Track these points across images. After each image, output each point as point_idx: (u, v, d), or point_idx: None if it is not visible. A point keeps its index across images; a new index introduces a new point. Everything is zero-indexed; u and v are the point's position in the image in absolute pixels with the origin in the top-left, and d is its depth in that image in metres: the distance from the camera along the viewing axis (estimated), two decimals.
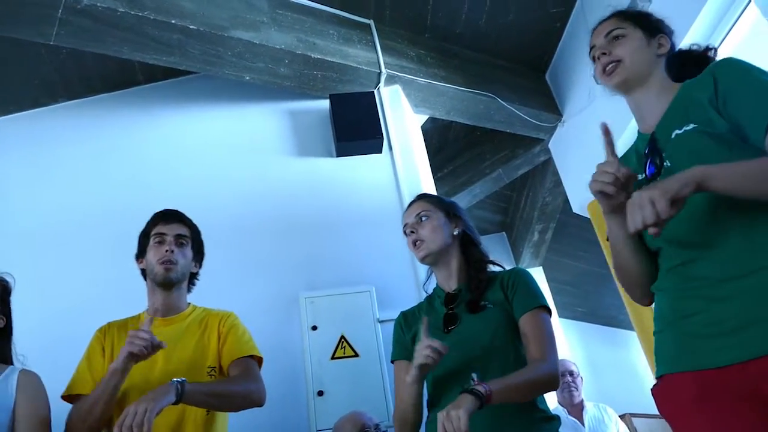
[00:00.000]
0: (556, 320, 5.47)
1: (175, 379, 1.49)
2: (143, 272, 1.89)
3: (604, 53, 1.39)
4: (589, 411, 3.38)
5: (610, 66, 1.37)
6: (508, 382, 1.43)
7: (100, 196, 2.89)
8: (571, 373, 3.45)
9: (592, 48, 1.46)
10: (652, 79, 1.36)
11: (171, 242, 1.83)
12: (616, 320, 6.54)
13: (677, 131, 1.22)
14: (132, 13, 2.54)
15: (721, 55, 2.85)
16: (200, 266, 1.97)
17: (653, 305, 1.30)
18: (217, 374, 1.75)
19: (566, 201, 4.25)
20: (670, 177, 1.06)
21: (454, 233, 1.78)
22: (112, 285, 2.46)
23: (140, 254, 1.89)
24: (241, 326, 1.87)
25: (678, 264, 1.20)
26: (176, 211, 1.94)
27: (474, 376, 1.51)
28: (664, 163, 1.23)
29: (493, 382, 1.38)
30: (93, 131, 3.15)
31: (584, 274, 6.03)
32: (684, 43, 2.91)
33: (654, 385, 1.23)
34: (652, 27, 1.41)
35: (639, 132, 1.41)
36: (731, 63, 1.23)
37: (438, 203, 1.84)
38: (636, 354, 5.77)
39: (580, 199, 3.92)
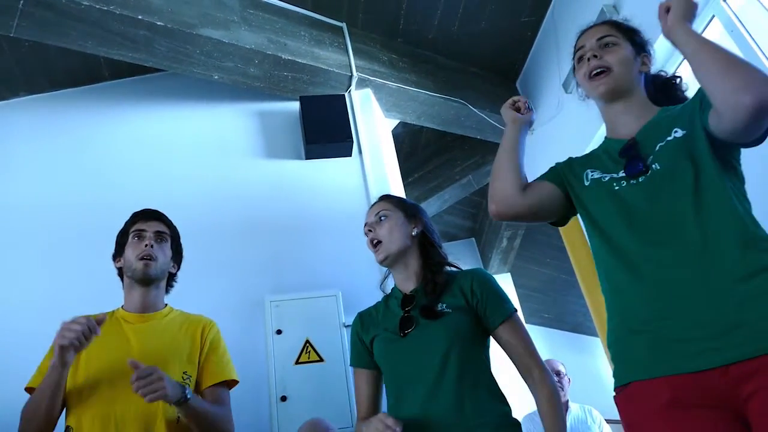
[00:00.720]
0: None
1: (184, 385, 1.54)
2: (120, 271, 1.86)
3: (596, 56, 1.39)
4: (573, 411, 3.41)
5: (597, 70, 1.38)
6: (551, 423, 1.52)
7: (63, 192, 2.81)
8: (558, 373, 3.49)
9: (580, 48, 1.46)
10: (634, 93, 1.39)
11: (151, 237, 1.82)
12: (582, 327, 6.62)
13: (667, 138, 1.25)
14: (97, 7, 2.47)
15: (684, 70, 2.92)
16: (178, 268, 1.96)
17: (607, 305, 1.29)
18: (191, 382, 1.71)
19: None
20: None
21: (413, 233, 1.76)
22: (75, 281, 2.43)
23: (117, 253, 1.87)
24: (222, 343, 1.87)
25: (643, 261, 1.19)
26: (156, 210, 1.94)
27: None
28: (653, 166, 1.24)
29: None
30: (55, 127, 3.06)
31: (551, 280, 6.10)
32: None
33: (619, 392, 1.20)
34: (640, 44, 1.45)
35: (608, 138, 1.43)
36: None
37: (398, 204, 1.83)
38: (601, 360, 5.85)
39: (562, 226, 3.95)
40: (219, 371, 1.79)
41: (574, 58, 1.50)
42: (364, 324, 1.77)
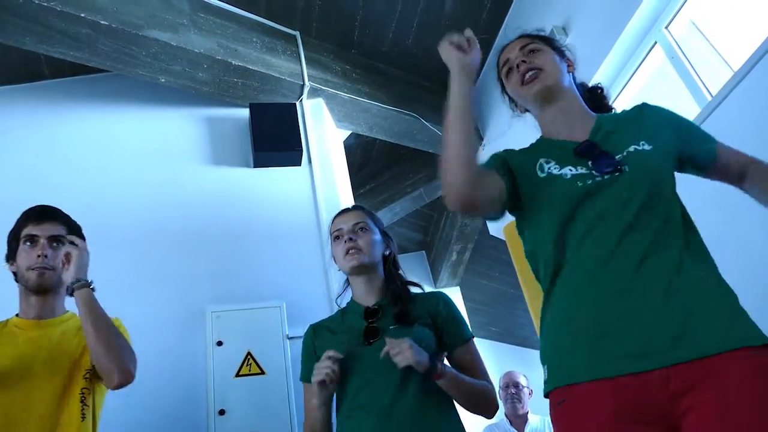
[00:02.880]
0: None
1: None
2: (15, 275, 1.71)
3: (524, 61, 1.39)
4: (531, 423, 3.44)
5: (531, 74, 1.37)
6: (462, 378, 1.54)
7: None
8: (516, 385, 3.51)
9: (505, 62, 1.46)
10: (567, 95, 1.40)
11: (44, 246, 1.65)
12: (529, 341, 6.72)
13: (635, 146, 1.26)
14: (36, 2, 2.38)
15: (628, 91, 3.00)
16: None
17: (550, 299, 1.25)
18: (92, 376, 1.60)
19: (484, 222, 4.34)
20: None
21: (386, 253, 1.79)
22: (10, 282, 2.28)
23: (9, 256, 1.70)
24: (122, 329, 1.73)
25: (601, 263, 1.16)
26: (49, 207, 1.74)
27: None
28: (624, 168, 1.22)
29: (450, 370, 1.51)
30: None
31: (499, 294, 6.18)
32: (594, 79, 3.06)
33: (557, 403, 1.15)
34: (560, 48, 1.48)
35: (550, 138, 1.39)
36: (660, 107, 1.39)
37: (375, 220, 1.84)
38: None
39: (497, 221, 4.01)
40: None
41: (500, 77, 1.50)
42: (319, 335, 1.74)
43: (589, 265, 1.17)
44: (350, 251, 1.71)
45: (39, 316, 1.66)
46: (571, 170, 1.27)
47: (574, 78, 1.46)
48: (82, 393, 1.57)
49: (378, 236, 1.78)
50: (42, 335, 1.62)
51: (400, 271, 1.82)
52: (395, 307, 1.66)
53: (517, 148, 1.44)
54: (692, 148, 1.33)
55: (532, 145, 1.43)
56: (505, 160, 1.38)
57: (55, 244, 1.67)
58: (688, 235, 1.19)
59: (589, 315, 1.14)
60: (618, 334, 1.09)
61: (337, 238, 1.78)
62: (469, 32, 1.33)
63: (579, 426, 1.10)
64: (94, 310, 1.54)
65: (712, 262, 1.18)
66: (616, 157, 1.24)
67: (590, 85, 1.54)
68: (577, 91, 1.43)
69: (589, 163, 1.25)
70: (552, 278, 1.25)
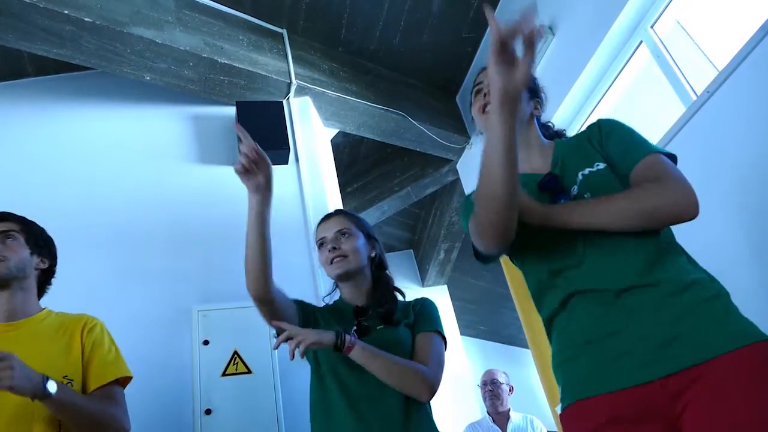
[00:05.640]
0: (458, 338, 5.56)
1: (47, 378, 1.36)
2: None
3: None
4: (514, 420, 3.46)
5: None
6: (380, 352, 1.53)
7: None
8: (493, 382, 3.54)
9: (478, 84, 1.47)
10: (528, 130, 1.44)
11: None
12: (516, 339, 6.75)
13: (590, 169, 1.29)
14: None
15: (614, 90, 3.03)
16: (49, 262, 1.77)
17: (553, 334, 1.29)
18: (75, 386, 1.56)
19: None
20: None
21: (371, 255, 1.80)
22: None
23: None
24: (107, 338, 1.70)
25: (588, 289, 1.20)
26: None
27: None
28: (584, 195, 1.27)
29: (364, 344, 1.52)
30: None
31: (487, 293, 6.19)
32: (580, 78, 3.08)
33: (562, 413, 1.22)
34: (533, 89, 1.50)
35: None
36: (610, 120, 1.39)
37: (358, 223, 1.84)
38: (533, 372, 5.95)
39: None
40: (104, 372, 1.62)
41: (471, 93, 1.51)
42: (315, 310, 1.76)
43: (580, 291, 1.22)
44: (335, 260, 1.73)
45: (10, 317, 1.62)
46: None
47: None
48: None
49: (362, 240, 1.78)
50: (16, 336, 1.57)
51: (387, 271, 1.84)
52: (382, 307, 1.69)
53: None
54: (618, 158, 1.30)
55: None
56: None
57: (6, 239, 1.65)
58: (662, 242, 1.21)
59: (584, 335, 1.19)
60: (611, 349, 1.13)
61: (321, 245, 1.79)
62: (529, 18, 0.99)
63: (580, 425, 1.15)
64: (66, 411, 1.45)
65: (693, 264, 1.22)
66: (573, 187, 1.29)
67: (543, 121, 1.57)
68: (535, 121, 1.47)
69: (551, 198, 1.31)
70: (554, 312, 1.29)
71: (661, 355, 1.07)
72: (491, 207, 1.16)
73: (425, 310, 1.75)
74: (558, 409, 1.27)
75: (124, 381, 1.67)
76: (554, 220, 1.22)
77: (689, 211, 1.15)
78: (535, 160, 1.40)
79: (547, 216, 1.23)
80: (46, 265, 1.76)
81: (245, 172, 1.51)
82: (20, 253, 1.66)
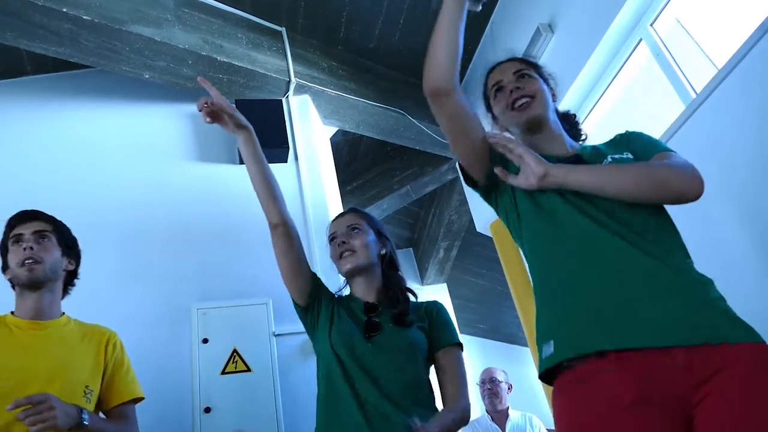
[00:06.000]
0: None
1: (81, 409, 1.45)
2: (11, 282, 1.70)
3: (518, 87, 1.43)
4: (513, 419, 3.45)
5: (524, 101, 1.41)
6: (445, 421, 1.48)
7: None
8: (492, 381, 3.53)
9: (497, 83, 1.48)
10: (551, 122, 1.44)
11: (29, 239, 1.65)
12: (515, 337, 6.75)
13: (618, 155, 1.33)
14: None
15: (613, 89, 3.02)
16: (76, 264, 1.79)
17: (551, 288, 1.25)
18: (93, 397, 1.62)
19: (471, 220, 4.35)
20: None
21: (382, 253, 1.80)
22: None
23: (4, 266, 1.70)
24: (127, 357, 1.77)
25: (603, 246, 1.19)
26: (31, 210, 1.75)
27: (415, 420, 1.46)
28: None
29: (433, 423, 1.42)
30: None
31: (486, 291, 6.20)
32: (580, 76, 3.07)
33: (562, 376, 1.13)
34: (546, 77, 1.51)
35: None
36: (637, 131, 1.43)
37: (369, 221, 1.84)
38: (533, 370, 5.96)
39: (484, 218, 4.02)
40: (125, 390, 1.71)
41: (489, 93, 1.52)
42: (331, 294, 1.79)
43: (584, 251, 1.21)
44: (344, 254, 1.73)
45: (36, 316, 1.64)
46: None
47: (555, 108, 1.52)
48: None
49: (372, 237, 1.79)
50: (44, 336, 1.62)
51: (400, 272, 1.84)
52: (394, 308, 1.69)
53: None
54: (641, 151, 1.35)
55: None
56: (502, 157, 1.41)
57: (41, 240, 1.67)
58: (672, 235, 1.24)
59: (596, 296, 1.15)
60: (635, 308, 1.10)
61: (332, 240, 1.80)
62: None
63: (601, 407, 1.05)
64: None
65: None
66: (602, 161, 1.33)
67: (563, 111, 1.59)
68: (559, 123, 1.48)
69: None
70: (546, 262, 1.29)
71: (685, 324, 1.06)
72: (433, 52, 1.35)
73: (442, 318, 1.74)
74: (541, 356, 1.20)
75: (137, 400, 1.74)
76: (570, 182, 1.26)
77: (694, 189, 1.21)
78: (559, 150, 1.41)
79: (565, 178, 1.26)
80: (73, 267, 1.78)
81: (212, 120, 1.64)
82: (54, 254, 1.68)
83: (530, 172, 1.27)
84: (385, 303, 1.71)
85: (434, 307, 1.76)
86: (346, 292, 1.84)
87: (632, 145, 1.37)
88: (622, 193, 1.22)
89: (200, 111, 1.60)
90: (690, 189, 1.21)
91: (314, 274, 1.78)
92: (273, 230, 1.72)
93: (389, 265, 1.82)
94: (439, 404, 1.68)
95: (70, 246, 1.76)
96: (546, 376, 1.19)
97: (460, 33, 1.34)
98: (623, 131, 1.44)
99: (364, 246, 1.74)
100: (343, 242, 1.75)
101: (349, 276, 1.78)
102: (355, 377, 1.55)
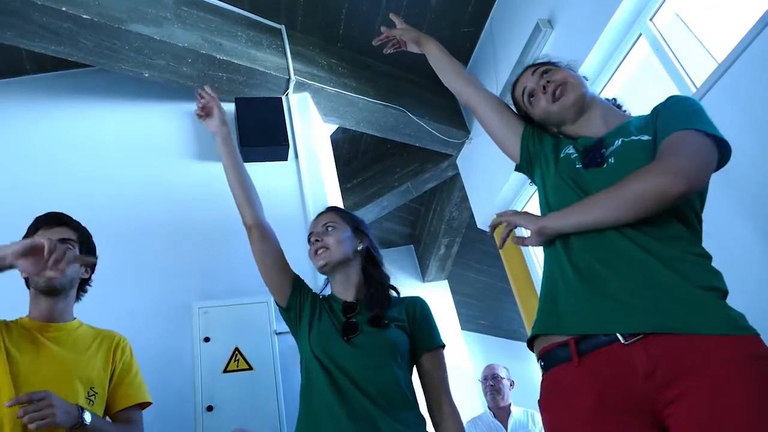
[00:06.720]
0: (459, 333, 5.57)
1: (82, 408, 1.45)
2: (26, 281, 1.70)
3: (548, 81, 1.44)
4: (515, 415, 3.46)
5: (560, 88, 1.42)
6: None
7: None
8: (494, 377, 3.53)
9: (524, 90, 1.51)
10: (598, 100, 1.46)
11: None
12: (517, 333, 6.75)
13: (632, 138, 1.30)
14: None
15: (613, 83, 3.03)
16: (92, 272, 1.81)
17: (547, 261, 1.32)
18: (97, 400, 1.63)
19: (472, 216, 4.35)
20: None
21: (358, 248, 1.80)
22: None
23: None
24: (135, 361, 1.79)
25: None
26: (59, 213, 1.76)
27: None
28: (609, 160, 1.29)
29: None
30: None
31: (487, 287, 6.20)
32: (580, 71, 3.07)
33: (543, 377, 1.20)
34: (567, 65, 1.52)
35: (570, 137, 1.46)
36: (680, 96, 1.38)
37: (346, 217, 1.85)
38: (535, 366, 5.96)
39: (485, 214, 4.02)
40: (133, 394, 1.72)
41: (524, 104, 1.53)
42: (313, 294, 1.80)
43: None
44: (318, 251, 1.76)
45: (49, 319, 1.66)
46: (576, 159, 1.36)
47: None
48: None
49: (348, 233, 1.79)
50: (58, 337, 1.63)
51: (383, 268, 1.84)
52: (372, 309, 1.68)
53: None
54: (660, 130, 1.29)
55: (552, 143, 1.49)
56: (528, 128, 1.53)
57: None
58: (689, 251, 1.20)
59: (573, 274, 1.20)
60: (606, 291, 1.13)
61: (309, 239, 1.83)
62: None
63: (565, 416, 1.13)
64: None
65: (697, 248, 1.21)
66: (607, 150, 1.31)
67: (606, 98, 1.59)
68: (603, 100, 1.49)
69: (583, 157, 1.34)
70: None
71: (650, 312, 1.07)
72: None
73: (424, 318, 1.74)
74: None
75: (144, 405, 1.76)
76: (568, 228, 1.24)
77: (671, 190, 1.12)
78: (599, 129, 1.40)
79: (563, 226, 1.25)
80: (88, 276, 1.80)
81: (204, 114, 1.88)
82: (74, 265, 1.67)
83: (530, 232, 1.29)
84: (364, 301, 1.71)
85: (415, 305, 1.75)
86: (328, 291, 1.84)
87: (658, 121, 1.31)
88: (620, 221, 1.17)
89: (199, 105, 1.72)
90: (667, 192, 1.13)
91: (296, 276, 1.81)
92: (248, 232, 1.79)
93: (368, 260, 1.82)
94: (422, 405, 1.69)
95: (90, 256, 1.77)
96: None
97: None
98: (666, 98, 1.37)
99: (337, 242, 1.75)
100: (317, 240, 1.77)
101: (327, 273, 1.80)
102: (335, 378, 1.56)
